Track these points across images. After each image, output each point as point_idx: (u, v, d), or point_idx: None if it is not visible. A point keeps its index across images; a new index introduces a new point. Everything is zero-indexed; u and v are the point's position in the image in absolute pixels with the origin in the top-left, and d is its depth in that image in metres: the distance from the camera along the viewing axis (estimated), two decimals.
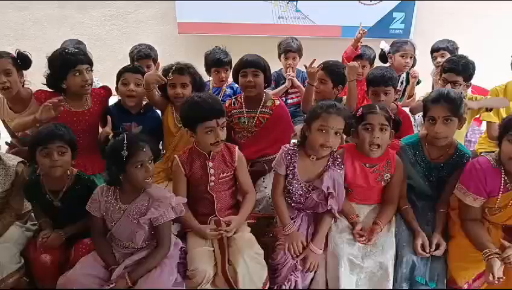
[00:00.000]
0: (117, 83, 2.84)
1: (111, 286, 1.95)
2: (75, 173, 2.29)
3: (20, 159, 2.40)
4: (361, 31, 3.54)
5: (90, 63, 2.69)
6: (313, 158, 2.27)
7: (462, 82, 2.86)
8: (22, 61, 2.82)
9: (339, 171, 2.27)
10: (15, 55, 2.81)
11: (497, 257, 1.96)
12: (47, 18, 5.53)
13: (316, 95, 2.98)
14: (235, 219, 2.25)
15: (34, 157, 2.16)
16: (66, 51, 2.64)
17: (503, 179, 2.09)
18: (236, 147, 2.38)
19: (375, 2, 5.26)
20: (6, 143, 2.98)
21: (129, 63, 3.47)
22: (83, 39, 3.90)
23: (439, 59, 3.73)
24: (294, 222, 2.30)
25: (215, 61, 3.59)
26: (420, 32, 5.20)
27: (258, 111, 2.86)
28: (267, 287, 2.14)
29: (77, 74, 2.59)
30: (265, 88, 2.94)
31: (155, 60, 3.62)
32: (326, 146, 2.17)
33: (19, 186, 2.32)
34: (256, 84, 2.79)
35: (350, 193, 2.38)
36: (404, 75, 3.82)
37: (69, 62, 2.58)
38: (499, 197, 2.11)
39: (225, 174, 2.32)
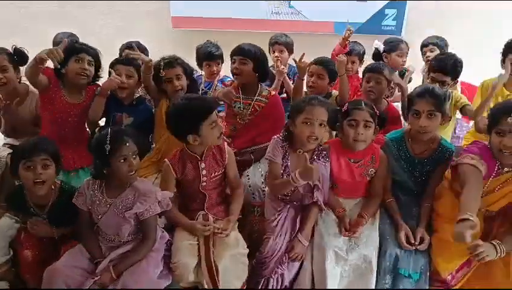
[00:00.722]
0: (109, 74, 2.85)
1: (96, 278, 1.98)
2: (59, 185, 2.27)
3: (10, 151, 2.41)
4: (348, 30, 3.57)
5: (96, 58, 2.74)
6: (300, 152, 2.29)
7: (449, 81, 2.90)
8: (19, 57, 2.80)
9: (323, 163, 2.31)
10: (11, 51, 2.80)
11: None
12: (42, 14, 5.53)
13: (312, 91, 3.02)
14: (231, 220, 2.26)
15: (17, 172, 2.12)
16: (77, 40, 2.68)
17: (497, 164, 2.13)
18: (225, 144, 2.39)
19: None
20: None
21: None
22: (77, 34, 3.90)
23: (428, 54, 3.76)
24: (280, 213, 2.32)
25: (207, 55, 3.62)
26: (411, 30, 5.22)
27: (254, 99, 2.89)
28: (245, 287, 2.18)
29: (79, 60, 2.64)
30: (259, 79, 2.93)
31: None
32: (312, 138, 2.21)
33: (9, 176, 2.32)
34: (242, 72, 2.81)
35: (336, 188, 2.42)
36: (396, 73, 3.83)
37: (74, 48, 2.65)
38: (489, 181, 2.14)
39: (216, 173, 2.33)
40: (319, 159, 2.31)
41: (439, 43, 3.79)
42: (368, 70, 2.96)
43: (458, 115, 3.41)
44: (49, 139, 2.26)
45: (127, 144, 2.03)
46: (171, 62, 2.78)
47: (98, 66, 2.79)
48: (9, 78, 2.77)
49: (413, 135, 2.41)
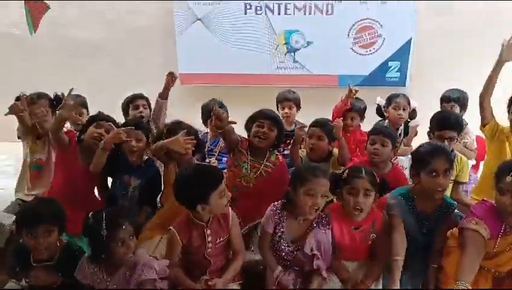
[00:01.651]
0: None
1: None
2: (64, 243, 2.27)
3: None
4: (352, 91, 3.59)
5: (113, 122, 2.88)
6: (300, 219, 2.29)
7: (456, 136, 2.91)
8: (58, 103, 2.94)
9: (324, 231, 2.28)
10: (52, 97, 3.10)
11: None
12: (52, 66, 5.73)
13: (312, 152, 3.03)
14: (218, 284, 2.21)
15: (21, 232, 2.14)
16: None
17: (504, 223, 2.10)
18: (230, 209, 2.34)
19: (370, 51, 5.39)
20: None
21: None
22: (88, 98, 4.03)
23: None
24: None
25: (211, 112, 3.66)
26: (417, 81, 5.28)
27: (263, 164, 2.88)
28: None
29: (97, 126, 2.80)
30: (275, 146, 2.97)
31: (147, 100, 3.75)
32: (315, 208, 2.20)
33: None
34: (268, 138, 2.84)
35: (338, 251, 2.37)
36: (402, 127, 3.85)
37: (97, 116, 2.84)
38: (498, 240, 2.11)
39: (221, 239, 2.31)
40: (319, 227, 2.29)
41: (460, 99, 3.72)
42: (372, 132, 2.95)
43: None
44: (53, 201, 2.28)
45: (124, 227, 2.02)
46: (173, 129, 2.81)
47: None
48: (48, 120, 3.04)
49: (419, 192, 2.39)
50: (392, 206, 2.39)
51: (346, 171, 2.36)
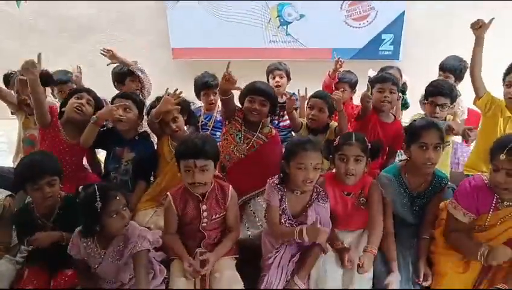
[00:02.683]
0: None
1: None
2: (63, 195, 2.35)
3: (8, 193, 2.47)
4: (338, 64, 3.62)
5: (96, 100, 2.87)
6: (297, 193, 2.29)
7: (449, 104, 2.92)
8: (44, 79, 2.98)
9: (323, 204, 2.30)
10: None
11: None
12: (42, 47, 5.64)
13: (313, 123, 3.04)
14: (210, 258, 2.21)
15: (22, 188, 2.24)
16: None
17: (495, 197, 2.12)
18: (230, 187, 2.36)
19: (364, 24, 5.35)
20: None
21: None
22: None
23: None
24: (278, 251, 2.30)
25: (203, 85, 3.68)
26: (409, 54, 5.26)
27: (255, 136, 2.88)
28: None
29: (78, 98, 2.77)
30: (268, 116, 2.98)
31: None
32: (307, 182, 2.20)
33: (7, 219, 2.38)
34: (260, 113, 2.83)
35: (332, 220, 2.39)
36: None
37: (76, 90, 2.85)
38: (489, 215, 2.13)
39: (217, 216, 2.32)
40: (319, 201, 2.30)
41: (456, 69, 3.66)
42: (379, 80, 3.00)
43: (458, 138, 3.42)
44: (50, 154, 2.40)
45: (117, 198, 2.03)
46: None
47: (98, 108, 2.84)
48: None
49: (410, 168, 2.42)
50: (382, 186, 2.42)
51: (338, 138, 2.38)
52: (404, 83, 3.81)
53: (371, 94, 2.98)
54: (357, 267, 2.18)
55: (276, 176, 2.35)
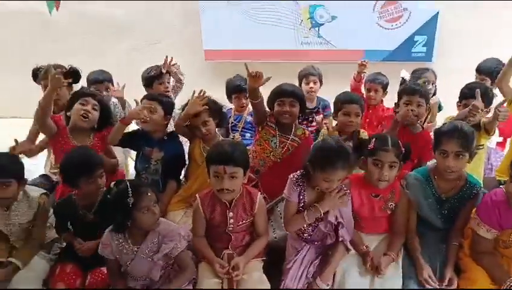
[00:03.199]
0: None
1: None
2: (103, 189, 2.41)
3: (43, 191, 2.56)
4: (362, 65, 3.60)
5: (102, 104, 2.88)
6: (318, 189, 2.29)
7: (483, 108, 2.83)
8: (73, 76, 3.09)
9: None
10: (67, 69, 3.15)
11: None
12: (80, 49, 5.82)
13: (350, 128, 2.91)
14: (240, 263, 2.22)
15: (74, 183, 2.36)
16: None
17: None
18: (259, 195, 2.35)
19: (397, 25, 5.27)
20: None
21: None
22: (113, 69, 4.07)
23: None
24: (298, 254, 2.32)
25: (235, 88, 3.73)
26: (442, 56, 5.14)
27: (290, 139, 2.89)
28: None
29: (83, 103, 2.79)
30: (298, 118, 2.96)
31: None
32: (329, 190, 2.21)
33: (42, 216, 2.47)
34: (292, 114, 2.83)
35: (357, 223, 2.40)
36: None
37: (81, 92, 2.87)
38: None
39: (244, 221, 2.32)
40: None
41: (493, 72, 3.51)
42: (407, 92, 2.91)
43: (492, 143, 3.33)
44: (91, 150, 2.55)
45: (148, 194, 2.08)
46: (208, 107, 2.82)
47: (106, 112, 2.91)
48: (61, 93, 3.07)
49: (439, 173, 2.37)
50: (409, 186, 2.39)
51: (373, 141, 2.32)
52: (435, 87, 3.73)
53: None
54: (375, 270, 2.19)
55: (298, 172, 2.35)
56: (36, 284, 2.32)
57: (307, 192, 2.31)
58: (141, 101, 2.98)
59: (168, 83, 3.73)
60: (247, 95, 3.58)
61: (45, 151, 3.34)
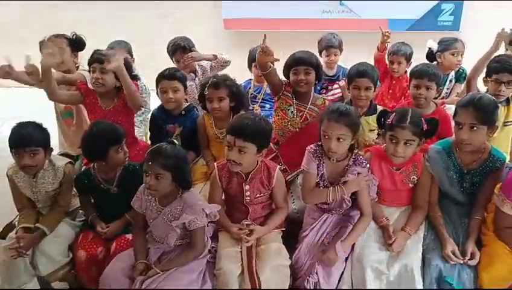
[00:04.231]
0: (157, 88, 2.98)
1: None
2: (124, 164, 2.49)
3: (68, 160, 2.60)
4: (385, 35, 3.53)
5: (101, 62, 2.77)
6: (333, 160, 2.29)
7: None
8: (77, 44, 3.11)
9: (362, 167, 2.28)
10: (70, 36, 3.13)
11: None
12: (100, 17, 5.82)
13: (364, 103, 2.87)
14: (258, 231, 2.27)
15: (103, 153, 2.37)
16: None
17: None
18: (277, 169, 2.34)
19: None
20: None
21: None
22: (133, 37, 4.06)
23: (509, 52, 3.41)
24: (316, 222, 2.35)
25: (255, 57, 3.65)
26: (470, 24, 4.98)
27: (308, 107, 2.86)
28: None
29: (93, 71, 2.78)
30: (315, 85, 2.94)
31: (191, 51, 3.62)
32: (331, 152, 2.20)
33: (67, 184, 2.52)
34: (308, 82, 2.80)
35: (379, 195, 2.39)
36: (453, 73, 3.69)
37: (89, 60, 2.81)
38: None
39: (261, 194, 2.33)
40: (356, 166, 2.29)
41: None
42: (416, 75, 2.86)
43: None
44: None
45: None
46: (217, 84, 2.79)
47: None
48: (65, 59, 3.03)
49: (459, 145, 2.33)
50: (430, 159, 2.36)
51: (393, 115, 2.28)
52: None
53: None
54: (388, 245, 2.20)
55: (315, 143, 2.35)
56: (62, 249, 2.40)
57: (325, 163, 2.31)
58: (158, 82, 2.96)
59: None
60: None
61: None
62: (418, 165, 2.35)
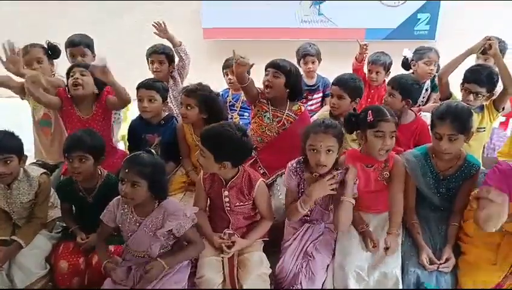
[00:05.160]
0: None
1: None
2: (105, 173, 2.49)
3: (43, 171, 2.56)
4: (363, 47, 3.60)
5: (83, 66, 2.81)
6: (315, 175, 2.27)
7: (485, 93, 2.81)
8: (52, 51, 3.07)
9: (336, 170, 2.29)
10: (45, 45, 3.07)
11: None
12: (81, 23, 5.76)
13: (335, 110, 2.93)
14: (239, 242, 2.27)
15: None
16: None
17: None
18: (259, 181, 2.33)
19: (399, 2, 5.21)
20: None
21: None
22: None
23: (480, 61, 3.51)
24: (298, 232, 2.36)
25: (227, 65, 3.73)
26: (445, 34, 5.09)
27: (285, 113, 2.87)
28: None
29: (72, 74, 2.78)
30: (289, 95, 2.88)
31: (169, 56, 3.63)
32: (320, 165, 2.19)
33: (43, 195, 2.48)
34: (273, 85, 2.79)
35: (356, 202, 2.38)
36: (428, 82, 3.75)
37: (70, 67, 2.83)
38: None
39: (241, 204, 2.33)
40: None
41: (503, 50, 3.41)
42: (389, 83, 2.96)
43: (495, 123, 3.31)
44: (92, 133, 2.48)
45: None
46: (188, 91, 2.83)
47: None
48: (44, 69, 2.99)
49: (436, 153, 2.38)
50: (407, 162, 2.40)
51: (369, 113, 2.31)
52: (438, 65, 3.69)
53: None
54: (384, 249, 2.20)
55: (296, 159, 2.36)
56: (39, 261, 2.35)
57: (306, 179, 2.32)
58: (137, 90, 2.95)
59: (161, 63, 3.58)
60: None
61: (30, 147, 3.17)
62: (389, 161, 2.39)
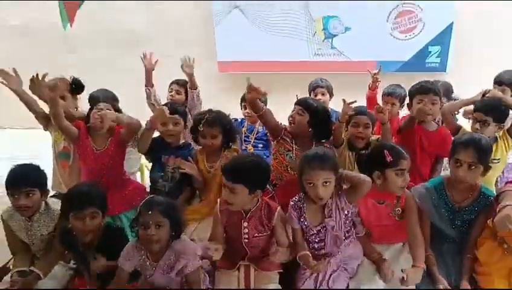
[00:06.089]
0: None
1: None
2: (104, 225, 2.38)
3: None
4: (374, 77, 3.62)
5: (113, 105, 2.98)
6: (317, 207, 2.30)
7: (491, 122, 2.81)
8: (75, 86, 3.13)
9: (346, 203, 2.30)
10: (69, 80, 3.13)
11: None
12: (97, 62, 5.93)
13: (360, 141, 2.95)
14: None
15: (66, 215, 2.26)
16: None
17: None
18: (278, 209, 2.36)
19: (410, 35, 5.29)
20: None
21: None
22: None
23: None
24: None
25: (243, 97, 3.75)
26: (457, 67, 5.14)
27: None
28: None
29: (95, 108, 2.85)
30: (314, 135, 2.87)
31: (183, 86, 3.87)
32: (318, 198, 2.21)
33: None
34: (295, 122, 2.81)
35: (369, 235, 2.42)
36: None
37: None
38: None
39: (260, 234, 2.34)
40: (340, 199, 2.30)
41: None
42: (419, 91, 2.92)
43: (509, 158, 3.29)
44: (97, 186, 2.43)
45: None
46: (212, 122, 2.80)
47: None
48: (65, 105, 3.00)
49: (452, 182, 2.39)
50: (418, 196, 2.41)
51: (386, 153, 2.32)
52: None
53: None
54: (402, 280, 2.15)
55: (298, 195, 2.37)
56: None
57: (307, 211, 2.32)
58: None
59: (178, 93, 3.83)
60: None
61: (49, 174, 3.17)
62: (402, 198, 2.40)
